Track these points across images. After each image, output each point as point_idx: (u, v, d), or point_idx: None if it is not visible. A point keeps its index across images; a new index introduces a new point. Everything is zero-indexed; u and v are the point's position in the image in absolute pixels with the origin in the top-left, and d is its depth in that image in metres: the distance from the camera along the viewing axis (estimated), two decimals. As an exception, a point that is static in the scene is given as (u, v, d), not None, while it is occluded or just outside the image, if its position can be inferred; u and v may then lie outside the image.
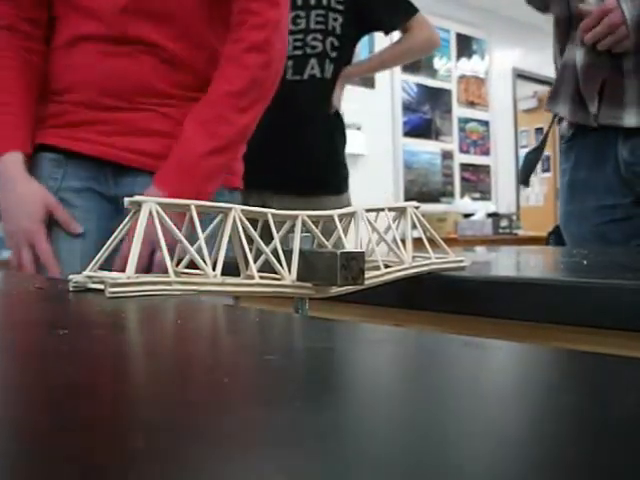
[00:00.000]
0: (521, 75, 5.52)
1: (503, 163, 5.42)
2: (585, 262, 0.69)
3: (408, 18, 1.55)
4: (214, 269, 0.41)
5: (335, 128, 1.59)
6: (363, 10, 1.51)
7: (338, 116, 1.59)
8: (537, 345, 0.26)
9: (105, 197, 1.02)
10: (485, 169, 5.36)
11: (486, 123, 5.36)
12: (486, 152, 5.37)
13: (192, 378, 0.21)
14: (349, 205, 1.54)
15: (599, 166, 1.13)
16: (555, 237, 1.43)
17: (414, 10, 1.56)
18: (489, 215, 4.63)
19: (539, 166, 4.66)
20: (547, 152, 5.41)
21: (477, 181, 5.32)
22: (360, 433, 0.14)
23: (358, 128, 4.26)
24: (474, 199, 5.16)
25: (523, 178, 1.27)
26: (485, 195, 5.33)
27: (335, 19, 1.48)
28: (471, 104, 5.27)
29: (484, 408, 0.17)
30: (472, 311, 0.55)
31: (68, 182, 1.01)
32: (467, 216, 4.69)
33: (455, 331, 0.55)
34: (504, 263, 0.86)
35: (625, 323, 0.46)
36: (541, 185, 6.40)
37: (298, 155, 1.51)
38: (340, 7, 1.48)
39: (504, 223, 4.50)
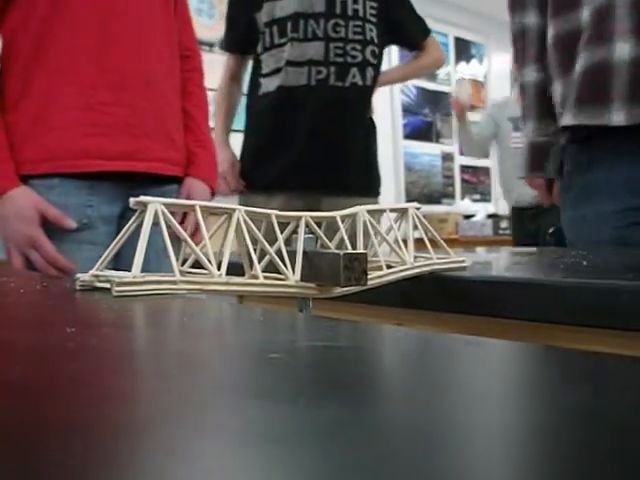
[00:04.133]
0: (520, 78, 5.51)
1: (503, 165, 5.41)
2: (584, 262, 0.69)
3: (427, 37, 1.71)
4: (219, 269, 0.42)
5: (372, 132, 1.66)
6: (392, 25, 1.62)
7: (372, 120, 1.63)
8: (538, 345, 0.26)
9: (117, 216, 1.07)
10: (485, 171, 5.35)
11: (486, 125, 5.35)
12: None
13: (196, 376, 0.21)
14: None
15: (620, 167, 1.07)
16: (555, 239, 1.42)
17: (429, 31, 1.72)
18: (489, 216, 4.63)
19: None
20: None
21: (477, 183, 5.31)
22: (364, 432, 0.14)
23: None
24: (474, 200, 5.16)
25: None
26: (485, 197, 5.33)
27: (371, 29, 1.56)
28: (470, 107, 5.26)
29: (485, 407, 0.17)
30: (473, 311, 0.56)
31: (99, 209, 1.03)
32: (468, 217, 4.69)
33: (456, 330, 0.55)
34: (504, 263, 0.86)
35: (625, 323, 0.46)
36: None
37: (344, 158, 1.56)
38: (374, 19, 1.57)
39: (504, 224, 4.51)
